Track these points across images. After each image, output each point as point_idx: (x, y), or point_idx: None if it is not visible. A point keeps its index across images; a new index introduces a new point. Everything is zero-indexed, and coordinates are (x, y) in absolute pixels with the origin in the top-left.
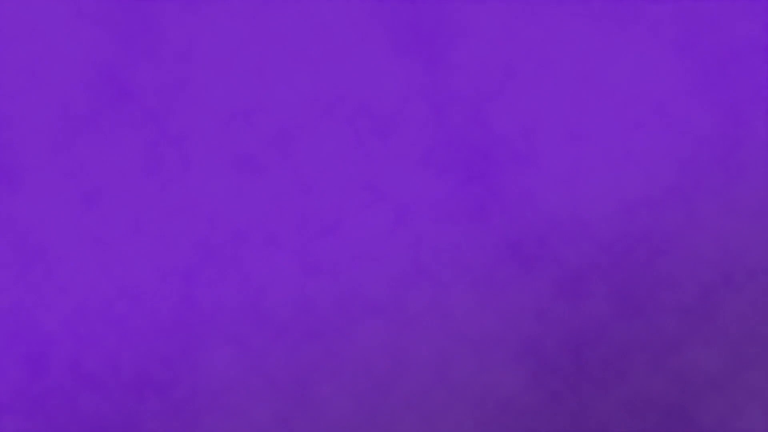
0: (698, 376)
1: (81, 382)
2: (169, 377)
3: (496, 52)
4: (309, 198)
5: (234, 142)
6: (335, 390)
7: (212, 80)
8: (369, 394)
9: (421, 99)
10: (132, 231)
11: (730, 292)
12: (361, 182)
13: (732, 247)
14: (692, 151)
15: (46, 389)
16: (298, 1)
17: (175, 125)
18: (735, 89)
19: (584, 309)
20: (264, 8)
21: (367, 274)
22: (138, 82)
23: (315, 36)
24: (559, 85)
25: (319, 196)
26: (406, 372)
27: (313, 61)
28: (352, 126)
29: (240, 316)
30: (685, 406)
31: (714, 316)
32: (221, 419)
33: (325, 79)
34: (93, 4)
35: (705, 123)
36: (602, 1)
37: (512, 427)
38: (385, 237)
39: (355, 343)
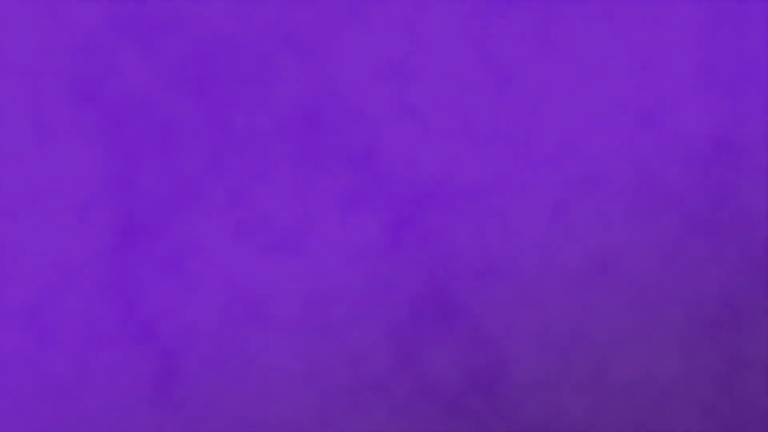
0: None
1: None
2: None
3: (485, 48)
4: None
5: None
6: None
7: (210, 78)
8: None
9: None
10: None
11: (730, 291)
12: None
13: (731, 249)
14: (692, 150)
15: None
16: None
17: (175, 122)
18: (735, 89)
19: (582, 309)
20: (260, 6)
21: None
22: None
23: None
24: (558, 83)
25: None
26: (412, 377)
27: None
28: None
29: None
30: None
31: (714, 317)
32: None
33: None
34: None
35: (705, 123)
36: (603, 2)
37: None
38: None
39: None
